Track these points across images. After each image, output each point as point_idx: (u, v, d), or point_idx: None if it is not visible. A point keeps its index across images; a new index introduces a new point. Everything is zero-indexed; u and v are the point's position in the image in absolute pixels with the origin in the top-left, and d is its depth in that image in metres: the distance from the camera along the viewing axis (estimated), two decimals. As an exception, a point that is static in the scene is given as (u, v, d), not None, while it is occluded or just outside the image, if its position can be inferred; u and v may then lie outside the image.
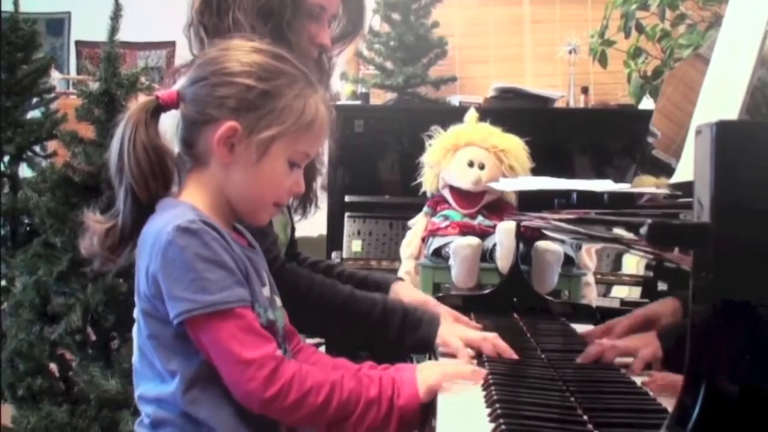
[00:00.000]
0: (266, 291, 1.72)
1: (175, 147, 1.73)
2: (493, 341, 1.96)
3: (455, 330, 2.08)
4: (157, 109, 1.71)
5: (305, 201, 2.36)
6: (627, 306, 2.07)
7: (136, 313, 1.68)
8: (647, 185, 2.11)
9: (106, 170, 1.72)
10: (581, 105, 6.09)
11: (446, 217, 3.62)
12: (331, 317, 1.95)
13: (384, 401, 1.62)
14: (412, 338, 2.09)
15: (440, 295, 2.82)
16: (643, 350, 1.71)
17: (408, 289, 2.37)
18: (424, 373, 1.68)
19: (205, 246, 1.57)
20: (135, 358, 1.71)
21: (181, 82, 1.74)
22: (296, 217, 2.39)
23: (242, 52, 1.70)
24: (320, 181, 2.37)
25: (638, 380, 1.64)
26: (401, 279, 2.50)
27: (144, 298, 1.63)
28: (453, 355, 1.97)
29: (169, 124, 1.76)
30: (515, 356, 1.93)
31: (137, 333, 1.69)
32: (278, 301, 1.78)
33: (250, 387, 1.56)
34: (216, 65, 1.69)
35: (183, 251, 1.55)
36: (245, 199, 1.71)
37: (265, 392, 1.56)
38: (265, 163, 1.67)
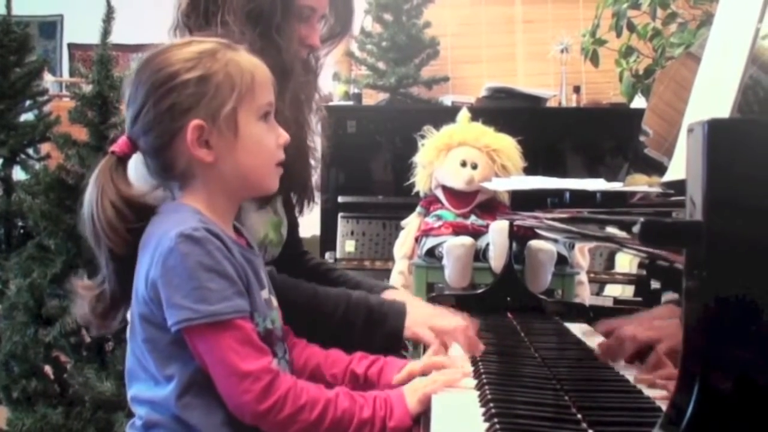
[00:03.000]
0: (265, 293, 1.72)
1: (154, 181, 1.72)
2: (463, 331, 1.97)
3: (425, 320, 2.08)
4: (120, 160, 1.68)
5: (302, 198, 2.36)
6: (620, 304, 2.07)
7: (130, 315, 1.68)
8: (639, 184, 2.12)
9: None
10: (573, 104, 6.11)
11: (439, 217, 3.62)
12: (294, 317, 1.94)
13: (377, 422, 1.62)
14: (379, 333, 2.08)
15: (434, 294, 2.82)
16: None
17: (401, 296, 2.36)
18: (412, 387, 1.69)
19: (208, 255, 1.56)
20: (128, 359, 1.71)
21: (126, 125, 1.71)
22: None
23: (158, 60, 1.67)
24: (315, 178, 2.37)
25: (631, 377, 1.64)
26: (393, 287, 2.49)
27: (142, 301, 1.61)
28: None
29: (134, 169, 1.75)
30: (481, 347, 1.95)
31: (131, 335, 1.68)
32: (274, 301, 1.78)
33: (245, 399, 1.56)
34: (144, 86, 1.66)
35: (185, 259, 1.54)
36: (248, 177, 1.70)
37: (259, 405, 1.55)
38: (242, 136, 1.66)
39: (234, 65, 1.68)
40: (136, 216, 1.66)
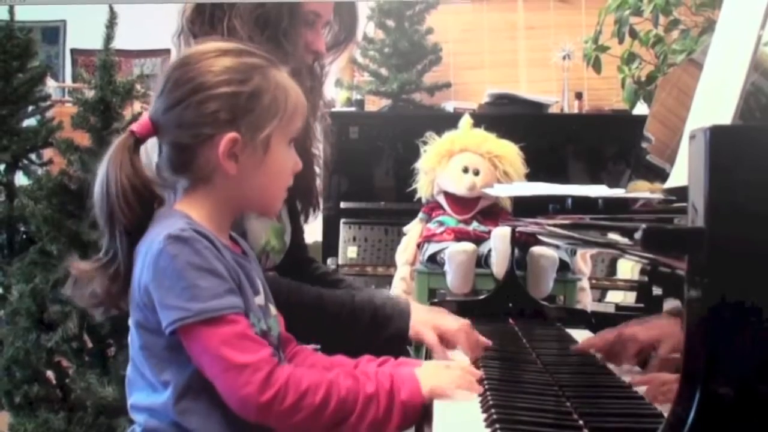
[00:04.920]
0: (260, 299, 1.71)
1: (163, 170, 1.71)
2: (466, 332, 1.98)
3: (429, 320, 2.09)
4: (136, 142, 1.68)
5: (307, 206, 2.37)
6: (622, 311, 2.07)
7: (130, 322, 1.68)
8: (642, 190, 2.12)
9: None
10: (575, 110, 6.11)
11: (441, 223, 3.62)
12: (299, 320, 1.94)
13: (382, 396, 1.60)
14: (384, 334, 2.10)
15: (436, 300, 2.82)
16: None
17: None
18: (428, 372, 1.68)
19: (197, 254, 1.56)
20: (129, 368, 1.71)
21: (152, 108, 1.70)
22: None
23: (209, 61, 1.67)
24: (319, 185, 2.37)
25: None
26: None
27: (136, 308, 1.62)
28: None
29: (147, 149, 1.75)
30: (489, 342, 1.99)
31: (131, 343, 1.68)
32: (273, 309, 1.77)
33: (246, 392, 1.54)
34: (191, 83, 1.65)
35: (174, 260, 1.54)
36: (260, 197, 1.72)
37: (261, 396, 1.54)
38: (270, 158, 1.67)
39: (281, 90, 1.69)
40: (150, 198, 1.66)
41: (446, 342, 2.04)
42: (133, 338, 1.66)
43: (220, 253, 1.60)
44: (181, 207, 1.68)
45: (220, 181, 1.67)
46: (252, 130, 1.64)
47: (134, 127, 1.69)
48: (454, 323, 2.05)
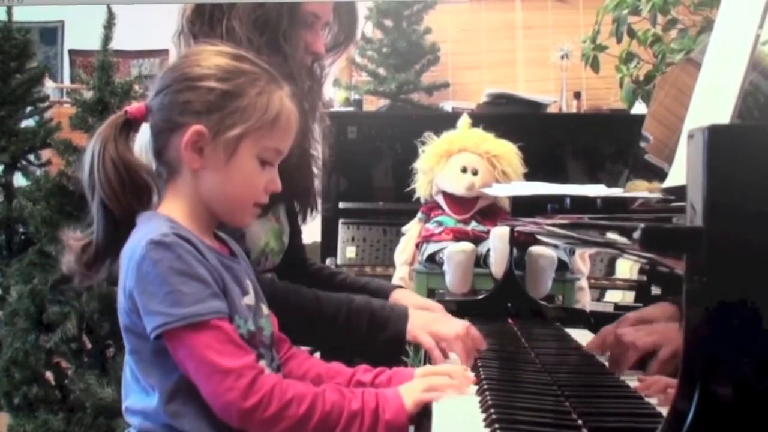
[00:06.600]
0: (248, 300, 1.71)
1: (151, 160, 1.73)
2: (463, 340, 1.97)
3: (426, 324, 2.08)
4: (127, 123, 1.70)
5: (305, 206, 2.36)
6: (620, 310, 2.07)
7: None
8: (640, 190, 2.12)
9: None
10: (574, 110, 6.11)
11: (440, 223, 3.63)
12: (297, 323, 1.93)
13: (367, 414, 1.60)
14: (381, 337, 2.09)
15: (435, 300, 2.82)
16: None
17: (409, 297, 2.36)
18: (410, 386, 1.68)
19: (179, 259, 1.56)
20: (123, 371, 1.71)
21: (149, 95, 1.74)
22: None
23: (203, 57, 1.71)
24: (317, 186, 2.37)
25: (632, 383, 1.64)
26: (401, 287, 2.49)
27: (123, 312, 1.63)
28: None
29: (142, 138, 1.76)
30: (484, 346, 1.97)
31: (126, 348, 1.69)
32: (264, 309, 1.77)
33: (229, 397, 1.54)
34: (177, 72, 1.70)
35: (156, 265, 1.55)
36: (221, 201, 1.71)
37: (245, 402, 1.54)
38: (234, 163, 1.67)
39: (265, 98, 1.69)
40: (131, 181, 1.67)
41: (442, 349, 2.03)
42: (125, 343, 1.67)
43: (203, 256, 1.61)
44: (163, 209, 1.69)
45: (186, 175, 1.68)
46: (218, 128, 1.65)
47: (129, 107, 1.72)
48: (452, 330, 2.03)
